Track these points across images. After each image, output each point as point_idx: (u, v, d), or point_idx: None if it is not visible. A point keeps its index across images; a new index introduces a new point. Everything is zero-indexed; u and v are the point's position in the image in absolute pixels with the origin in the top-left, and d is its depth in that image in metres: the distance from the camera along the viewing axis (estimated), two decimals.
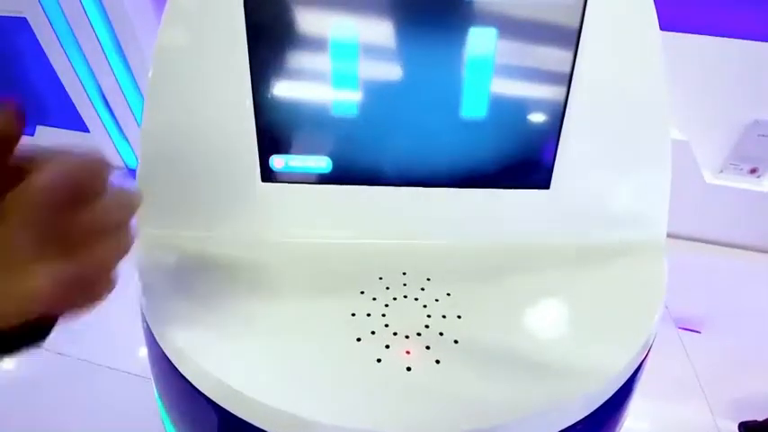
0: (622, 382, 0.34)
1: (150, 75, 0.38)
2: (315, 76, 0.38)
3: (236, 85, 0.38)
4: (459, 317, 0.36)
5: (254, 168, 0.40)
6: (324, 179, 0.41)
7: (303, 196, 0.41)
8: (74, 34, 1.31)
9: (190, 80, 0.39)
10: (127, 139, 1.50)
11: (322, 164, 0.40)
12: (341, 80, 0.38)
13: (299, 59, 0.37)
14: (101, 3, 1.24)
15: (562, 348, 0.34)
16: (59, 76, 1.39)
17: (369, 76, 0.38)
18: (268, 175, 0.41)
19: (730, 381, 0.92)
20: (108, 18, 1.27)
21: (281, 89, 0.38)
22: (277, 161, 0.40)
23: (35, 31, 1.34)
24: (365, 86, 0.38)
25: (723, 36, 0.92)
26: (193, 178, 0.41)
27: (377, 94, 0.38)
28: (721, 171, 1.06)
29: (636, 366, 0.35)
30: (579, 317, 0.37)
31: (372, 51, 0.37)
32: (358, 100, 0.38)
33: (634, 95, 0.39)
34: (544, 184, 0.41)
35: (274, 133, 0.40)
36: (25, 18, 1.34)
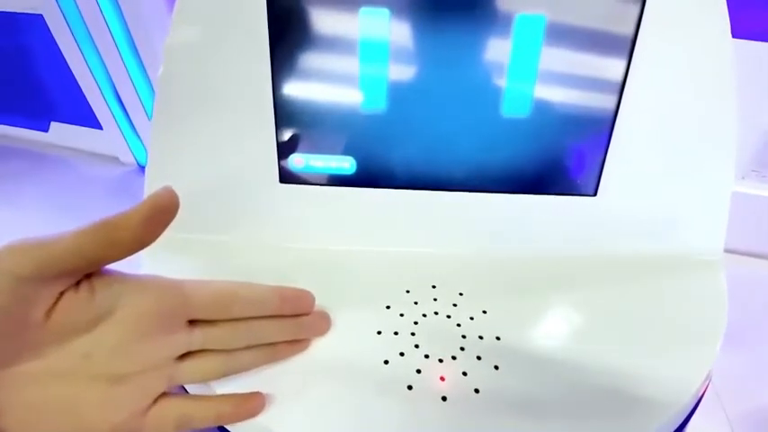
0: (683, 419, 0.30)
1: (161, 68, 0.35)
2: (340, 68, 0.35)
3: (255, 78, 0.35)
4: (497, 338, 0.32)
5: (272, 168, 0.37)
6: (347, 181, 0.37)
7: (325, 199, 0.38)
8: (89, 32, 1.31)
9: (203, 73, 0.36)
10: (139, 137, 1.49)
11: (345, 164, 0.37)
12: (369, 72, 0.34)
13: (324, 49, 0.34)
14: (116, 1, 1.24)
15: (617, 377, 0.30)
16: (74, 73, 1.39)
17: (400, 68, 0.34)
18: (287, 175, 0.37)
19: (750, 394, 0.86)
20: (123, 17, 1.26)
21: (304, 81, 0.35)
22: (297, 161, 0.37)
23: (51, 28, 1.34)
24: (395, 79, 0.34)
25: (744, 39, 0.87)
26: (205, 178, 0.38)
27: (408, 87, 0.35)
28: (743, 178, 1.01)
29: (698, 399, 0.31)
30: (632, 340, 0.32)
31: (404, 39, 0.33)
32: (387, 94, 0.35)
33: (700, 102, 0.35)
34: (591, 190, 0.37)
35: (295, 130, 0.36)
36: (41, 15, 1.34)
